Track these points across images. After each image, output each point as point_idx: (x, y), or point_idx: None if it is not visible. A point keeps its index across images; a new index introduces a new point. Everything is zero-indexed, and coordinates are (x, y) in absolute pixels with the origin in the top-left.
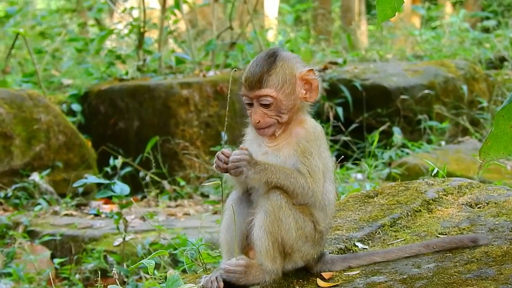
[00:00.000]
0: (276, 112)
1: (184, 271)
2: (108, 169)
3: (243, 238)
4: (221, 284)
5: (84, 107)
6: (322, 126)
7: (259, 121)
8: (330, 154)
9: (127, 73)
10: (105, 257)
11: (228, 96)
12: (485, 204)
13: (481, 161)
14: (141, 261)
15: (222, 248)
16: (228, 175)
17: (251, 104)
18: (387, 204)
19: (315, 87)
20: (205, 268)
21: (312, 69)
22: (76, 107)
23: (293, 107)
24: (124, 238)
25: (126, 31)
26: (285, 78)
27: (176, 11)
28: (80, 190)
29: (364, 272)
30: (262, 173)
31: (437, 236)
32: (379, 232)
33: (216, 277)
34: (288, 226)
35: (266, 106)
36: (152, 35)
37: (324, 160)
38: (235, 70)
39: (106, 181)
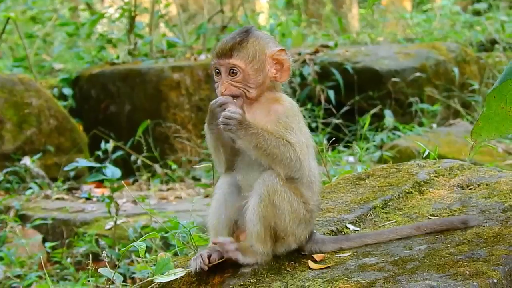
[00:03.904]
0: (243, 84)
1: (175, 254)
2: (99, 153)
3: (232, 223)
4: (206, 260)
5: (75, 91)
6: (313, 110)
7: (225, 90)
8: (309, 130)
9: (118, 57)
10: (96, 240)
11: None
12: (477, 186)
13: (472, 142)
14: (132, 244)
15: (209, 232)
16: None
17: (219, 74)
18: (378, 186)
19: (287, 67)
20: (197, 251)
21: (284, 49)
22: (67, 91)
23: (262, 84)
24: (115, 222)
25: (117, 15)
26: (255, 54)
27: None
28: (72, 174)
29: (355, 254)
30: (254, 137)
31: (428, 218)
32: (370, 214)
33: (201, 254)
34: (282, 211)
35: (233, 75)
36: (143, 19)
37: (305, 135)
38: None
39: (98, 165)
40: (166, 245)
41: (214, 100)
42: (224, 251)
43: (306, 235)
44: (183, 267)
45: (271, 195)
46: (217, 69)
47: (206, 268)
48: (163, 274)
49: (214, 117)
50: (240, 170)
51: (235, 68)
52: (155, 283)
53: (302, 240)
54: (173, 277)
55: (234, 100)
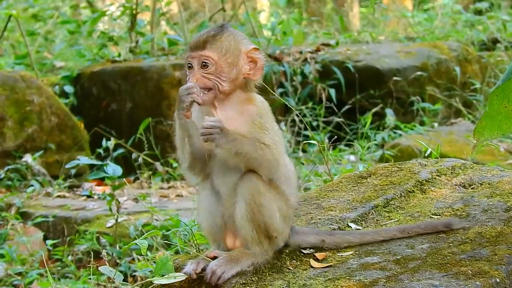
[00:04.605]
0: (215, 76)
1: (176, 252)
2: (100, 150)
3: (222, 229)
4: (199, 270)
5: (76, 89)
6: (315, 108)
7: (196, 81)
8: (277, 126)
9: (119, 55)
10: (97, 238)
11: None
12: (479, 185)
13: (475, 141)
14: (133, 242)
15: (207, 237)
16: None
17: (191, 67)
18: (380, 185)
19: (260, 66)
20: (198, 249)
21: (258, 48)
22: (68, 89)
23: (235, 79)
24: (116, 220)
25: (118, 13)
26: (229, 48)
27: None
28: (73, 171)
29: (357, 252)
30: (232, 143)
31: (430, 217)
32: (372, 212)
33: (198, 263)
34: (271, 210)
35: (205, 67)
36: (145, 17)
37: (277, 133)
38: None
39: (99, 163)
40: (167, 243)
41: (182, 86)
42: (213, 283)
43: (288, 231)
44: (183, 266)
45: (256, 197)
46: (189, 62)
47: (194, 276)
48: (163, 276)
49: (180, 102)
50: (217, 175)
51: (207, 60)
52: (154, 284)
53: (287, 237)
54: (172, 281)
55: (205, 92)
